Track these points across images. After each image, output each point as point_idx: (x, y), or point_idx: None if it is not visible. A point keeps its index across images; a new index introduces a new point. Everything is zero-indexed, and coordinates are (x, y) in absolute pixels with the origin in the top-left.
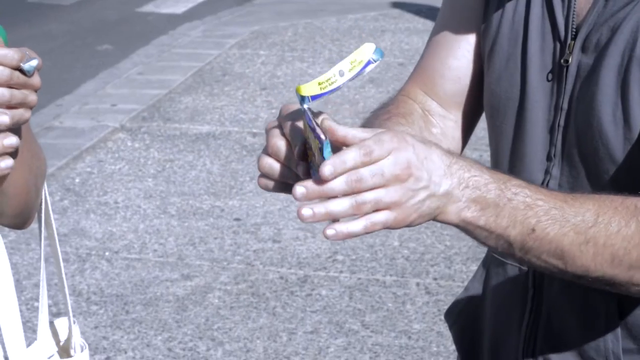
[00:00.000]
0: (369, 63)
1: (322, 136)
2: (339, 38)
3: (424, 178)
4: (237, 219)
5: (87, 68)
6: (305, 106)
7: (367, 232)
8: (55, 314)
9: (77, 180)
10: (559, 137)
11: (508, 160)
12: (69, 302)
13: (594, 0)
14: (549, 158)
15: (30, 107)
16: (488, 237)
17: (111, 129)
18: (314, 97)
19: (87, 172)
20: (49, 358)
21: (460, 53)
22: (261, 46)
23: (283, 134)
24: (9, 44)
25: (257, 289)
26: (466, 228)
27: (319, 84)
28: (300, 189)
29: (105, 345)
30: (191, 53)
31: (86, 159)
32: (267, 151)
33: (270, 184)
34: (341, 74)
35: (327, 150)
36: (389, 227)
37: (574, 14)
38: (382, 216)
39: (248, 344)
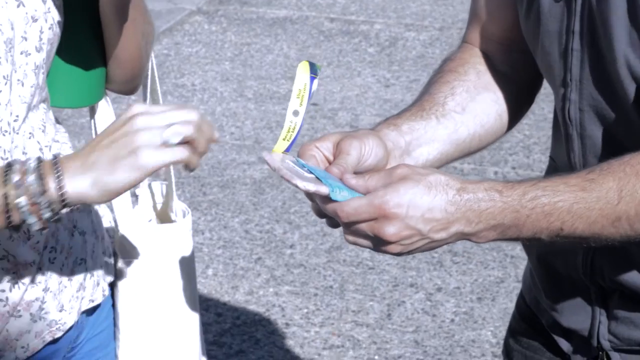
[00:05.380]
0: (312, 81)
1: (325, 186)
2: None
3: (415, 235)
4: (314, 104)
5: None
6: (288, 160)
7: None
8: None
9: (154, 62)
10: (574, 61)
11: (553, 88)
12: (172, 167)
13: None
14: (564, 84)
15: None
16: (519, 241)
17: (188, 12)
18: (288, 149)
19: (164, 54)
20: (148, 222)
21: None
22: None
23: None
24: None
25: None
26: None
27: (284, 139)
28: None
29: None
30: None
31: (163, 41)
32: None
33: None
34: (295, 114)
35: (337, 196)
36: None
37: None
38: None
39: (325, 228)
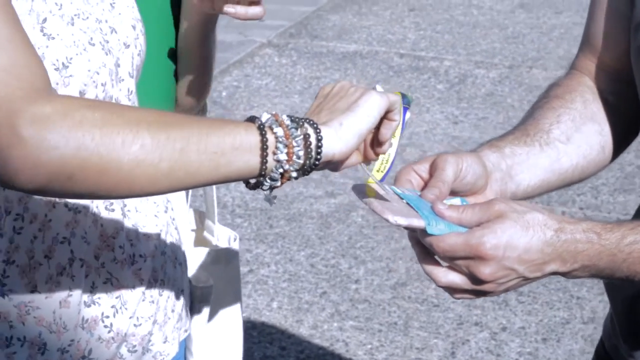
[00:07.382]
0: (405, 111)
1: (420, 220)
2: None
3: (510, 275)
4: None
5: None
6: (383, 190)
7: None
8: None
9: (224, 93)
10: None
11: None
12: (214, 195)
13: None
14: None
15: None
16: (612, 280)
17: (259, 44)
18: (382, 181)
19: (234, 86)
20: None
21: (618, 14)
22: None
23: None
24: None
25: None
26: None
27: (377, 170)
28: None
29: (249, 258)
30: None
31: (233, 72)
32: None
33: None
34: (389, 145)
35: (433, 229)
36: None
37: None
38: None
39: (390, 264)
